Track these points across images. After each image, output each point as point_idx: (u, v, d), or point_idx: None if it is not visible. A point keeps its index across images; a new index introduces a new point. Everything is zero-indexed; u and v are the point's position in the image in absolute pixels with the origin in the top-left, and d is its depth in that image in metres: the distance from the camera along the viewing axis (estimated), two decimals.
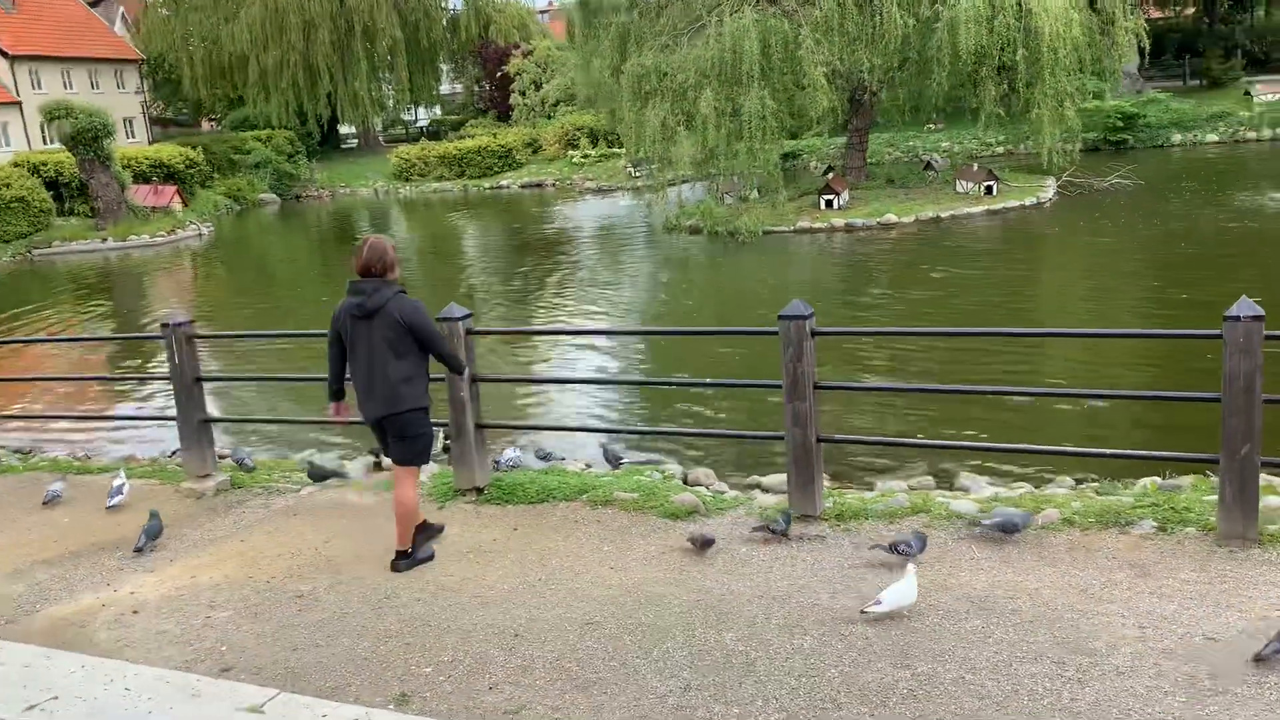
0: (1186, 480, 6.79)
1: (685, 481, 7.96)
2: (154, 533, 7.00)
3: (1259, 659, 4.34)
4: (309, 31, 47.75)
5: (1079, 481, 7.18)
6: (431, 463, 8.67)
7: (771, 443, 8.97)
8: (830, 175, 24.50)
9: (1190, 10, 46.14)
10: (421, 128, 59.71)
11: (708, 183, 22.23)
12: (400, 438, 6.11)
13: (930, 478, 7.73)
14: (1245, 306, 5.21)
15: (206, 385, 8.39)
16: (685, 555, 6.13)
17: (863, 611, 5.05)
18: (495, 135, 46.80)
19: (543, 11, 59.69)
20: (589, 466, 8.59)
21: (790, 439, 6.28)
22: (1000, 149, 33.09)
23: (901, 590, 4.96)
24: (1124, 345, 11.58)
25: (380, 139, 55.55)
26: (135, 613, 5.97)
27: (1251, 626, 4.66)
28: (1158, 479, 6.94)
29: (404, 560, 6.24)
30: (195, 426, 8.11)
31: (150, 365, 15.35)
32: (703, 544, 6.01)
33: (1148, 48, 23.64)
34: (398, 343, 5.91)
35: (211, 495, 8.04)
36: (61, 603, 6.23)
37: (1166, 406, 8.87)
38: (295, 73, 47.96)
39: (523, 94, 40.79)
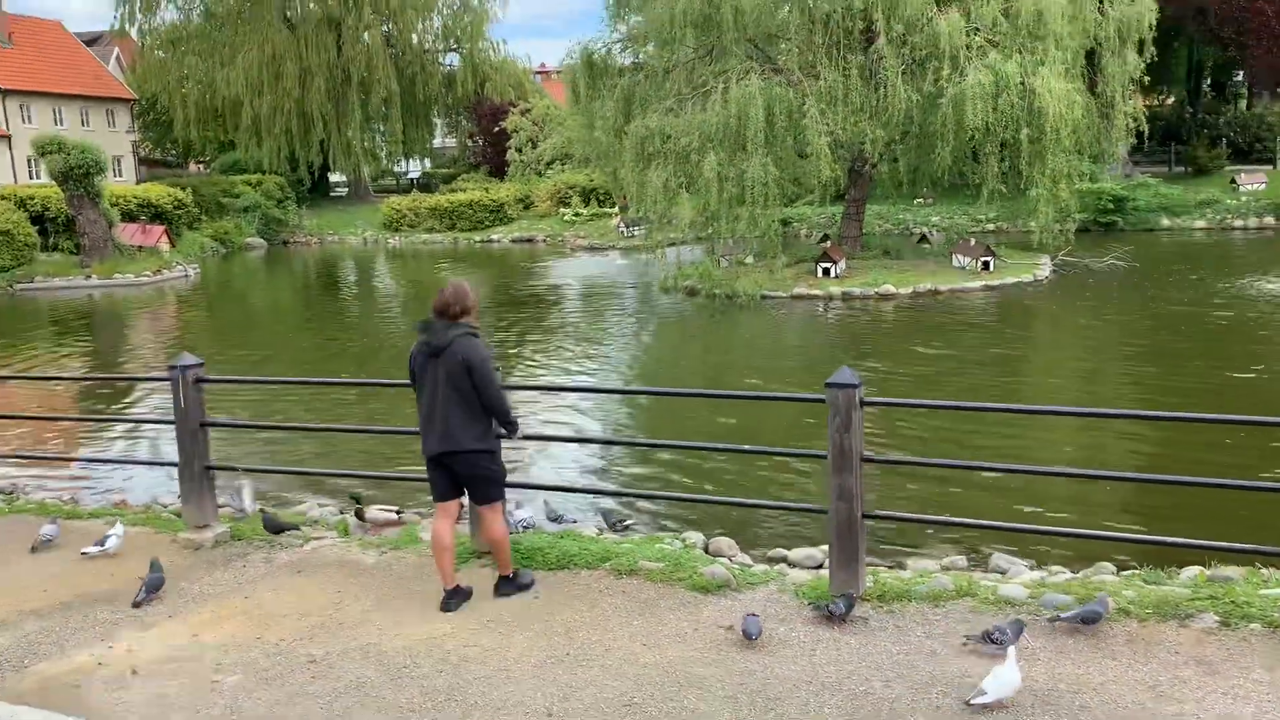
0: (1236, 571, 6.55)
1: (707, 551, 7.69)
2: (155, 585, 6.62)
3: None
4: (305, 79, 48.00)
5: (1120, 568, 6.92)
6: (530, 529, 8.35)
7: (780, 513, 8.77)
8: (828, 243, 24.54)
9: (1171, 99, 47.17)
10: (412, 179, 59.88)
11: (705, 245, 22.17)
12: (468, 477, 6.22)
13: (961, 558, 7.46)
14: None
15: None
16: (723, 634, 5.81)
17: (967, 703, 4.75)
18: (487, 190, 46.91)
19: (538, 72, 60.21)
20: (602, 531, 8.29)
21: (834, 514, 6.00)
22: (991, 225, 33.39)
23: (1005, 678, 4.67)
24: (1117, 426, 11.31)
25: (369, 189, 55.60)
26: (134, 673, 5.59)
27: None
28: (1202, 568, 6.70)
29: (506, 584, 6.41)
30: (198, 474, 7.75)
31: (127, 406, 14.96)
32: (749, 634, 5.59)
33: (1146, 132, 24.01)
34: (460, 382, 6.02)
35: (211, 547, 7.66)
36: (53, 659, 5.84)
37: (1165, 490, 8.76)
38: (289, 119, 48.11)
39: (519, 150, 40.93)
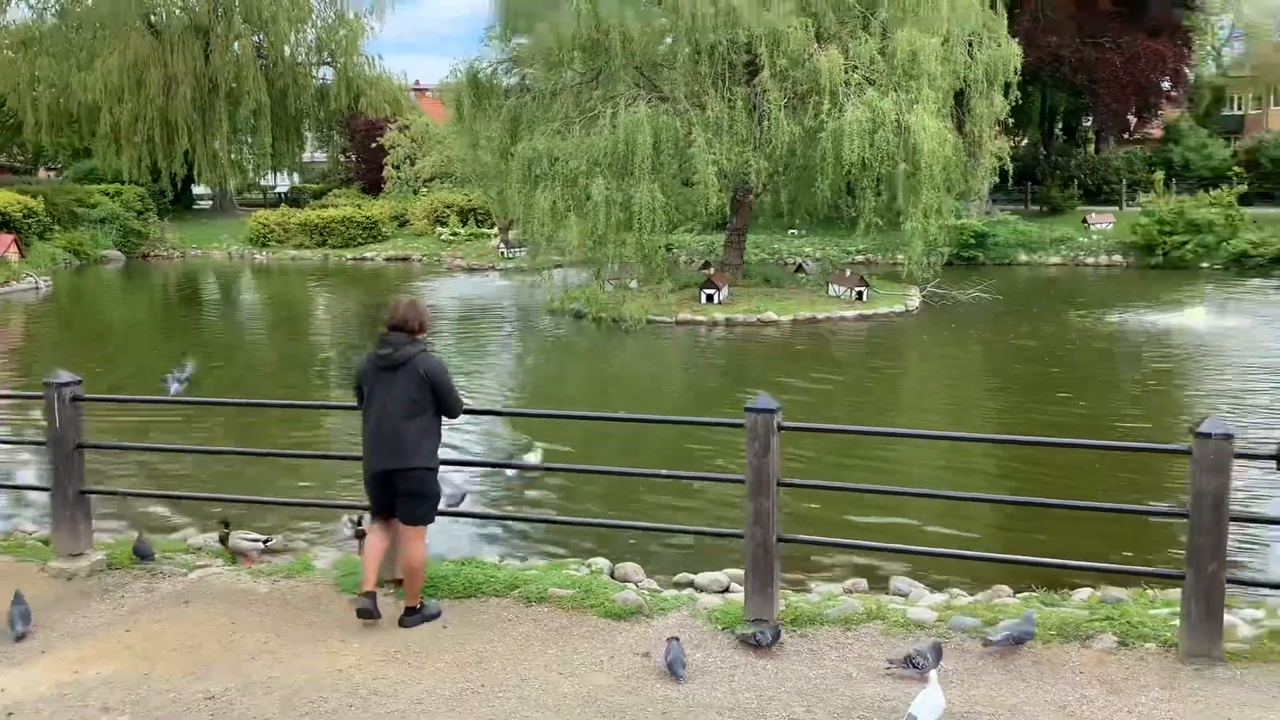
0: (1122, 591, 6.83)
1: (613, 577, 7.61)
2: (26, 617, 6.16)
3: None
4: (170, 87, 46.16)
5: (1016, 591, 7.14)
6: (339, 551, 8.09)
7: (672, 536, 8.74)
8: (712, 271, 24.84)
9: (1025, 141, 49.58)
10: (281, 194, 58.13)
11: (592, 268, 22.15)
12: (410, 495, 6.10)
13: (862, 580, 7.57)
14: (1215, 425, 5.29)
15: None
16: (639, 662, 5.74)
17: None
18: (360, 206, 45.86)
19: (414, 89, 59.39)
20: (503, 559, 8.12)
21: (750, 538, 6.01)
22: (861, 257, 34.35)
23: (931, 702, 4.70)
24: (982, 450, 11.68)
25: (235, 202, 53.78)
26: (10, 716, 5.17)
27: None
28: (1093, 589, 6.97)
29: (411, 616, 6.20)
30: (71, 499, 7.26)
31: None
32: (674, 669, 5.48)
33: (1010, 170, 25.14)
34: (418, 397, 6.01)
35: (84, 577, 7.18)
36: None
37: (1031, 512, 9.13)
38: (151, 128, 46.14)
39: (396, 167, 40.18)
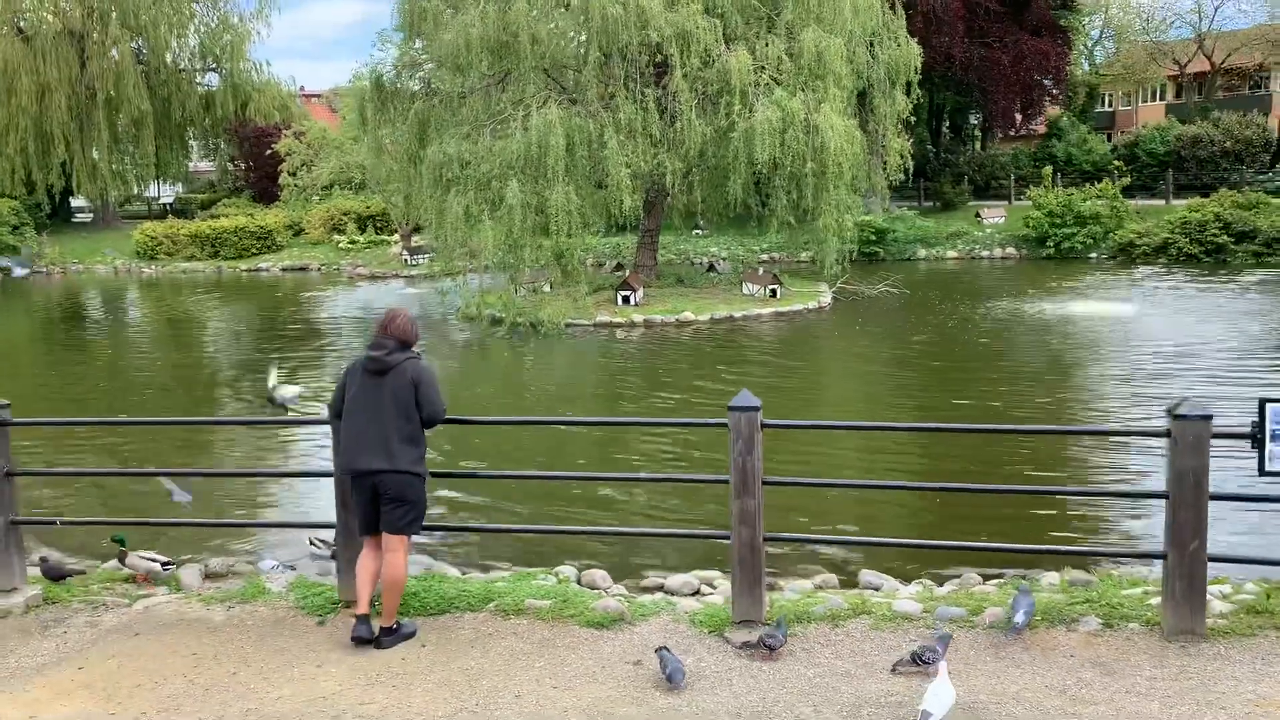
0: (1080, 574, 6.96)
1: (580, 584, 7.45)
2: None
3: None
4: (43, 96, 44.19)
5: (986, 578, 7.22)
6: (294, 571, 7.76)
7: (625, 539, 8.66)
8: (628, 273, 24.77)
9: (912, 139, 50.84)
10: (166, 204, 56.10)
11: (508, 273, 21.82)
12: (396, 501, 5.92)
13: (832, 575, 7.57)
14: (1194, 407, 5.41)
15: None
16: (631, 670, 5.61)
17: None
18: (253, 216, 44.53)
19: (304, 96, 57.98)
20: (466, 572, 7.88)
21: (736, 538, 5.94)
22: (765, 255, 34.70)
23: (944, 696, 4.67)
24: (894, 439, 11.76)
25: (117, 214, 51.68)
26: None
27: None
28: (1058, 573, 7.09)
29: (389, 637, 5.97)
30: (3, 530, 6.79)
31: None
32: (673, 679, 5.35)
33: (911, 168, 25.71)
34: (408, 402, 5.93)
35: (21, 614, 6.73)
36: None
37: (948, 497, 9.38)
38: (24, 138, 44.15)
39: (293, 174, 39.08)
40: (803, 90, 21.62)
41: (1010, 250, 34.60)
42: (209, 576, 7.74)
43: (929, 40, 31.55)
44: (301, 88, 60.45)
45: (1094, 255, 32.44)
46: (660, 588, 7.54)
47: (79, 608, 6.88)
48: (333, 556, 7.57)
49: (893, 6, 24.62)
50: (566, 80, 22.61)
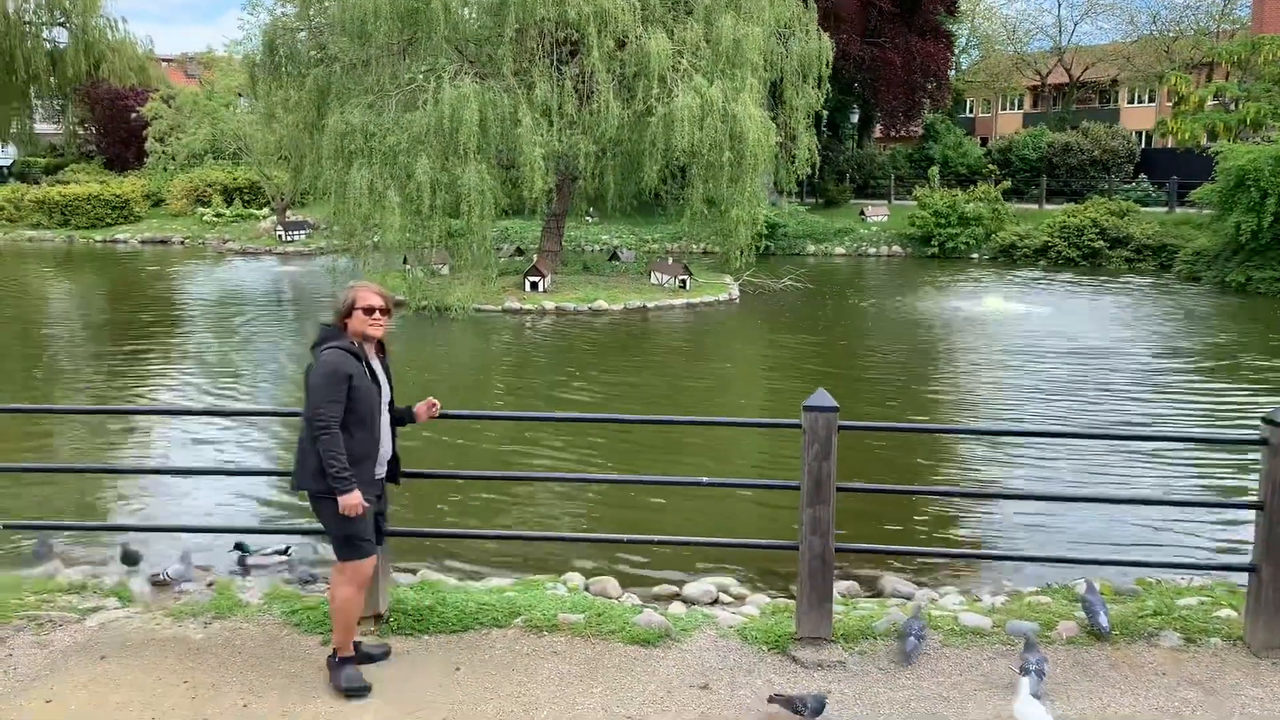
0: (1121, 582, 6.77)
1: (590, 592, 6.86)
2: None
3: None
4: None
5: (1039, 591, 6.93)
6: (259, 579, 6.91)
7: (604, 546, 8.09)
8: (533, 259, 23.97)
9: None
10: (4, 168, 51.95)
11: (414, 254, 20.72)
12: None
13: (854, 582, 7.19)
14: None
15: None
16: (699, 695, 5.08)
17: None
18: (107, 183, 41.61)
19: (165, 59, 54.60)
20: (462, 579, 7.17)
21: (807, 549, 5.46)
22: (658, 244, 34.38)
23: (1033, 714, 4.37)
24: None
25: None
26: None
27: None
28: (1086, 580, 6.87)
29: (334, 666, 5.17)
30: None
31: None
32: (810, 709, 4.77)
33: (819, 163, 25.72)
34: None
35: None
36: None
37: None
38: None
39: (160, 140, 36.57)
40: (720, 78, 21.26)
41: (896, 248, 35.22)
42: (155, 584, 6.85)
43: (830, 35, 31.66)
44: (149, 48, 56.90)
45: (975, 255, 33.29)
46: (676, 596, 7.02)
47: (20, 625, 5.92)
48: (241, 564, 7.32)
49: (804, 1, 24.51)
50: (478, 54, 21.65)
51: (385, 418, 5.08)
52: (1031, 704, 4.69)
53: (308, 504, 5.09)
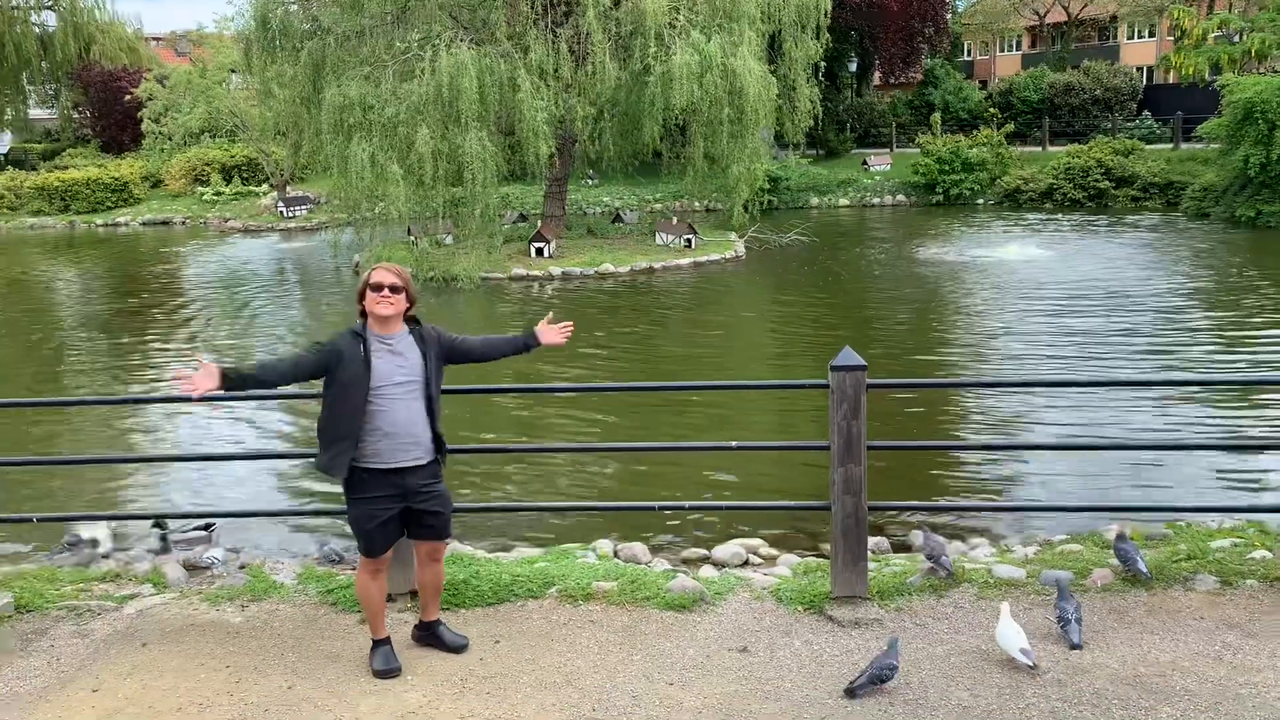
0: (1151, 528, 6.77)
1: (619, 559, 6.89)
2: None
3: None
4: None
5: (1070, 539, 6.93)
6: (295, 560, 6.95)
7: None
8: (536, 224, 23.87)
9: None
10: (2, 155, 51.68)
11: (419, 225, 20.62)
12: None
13: (881, 539, 7.20)
14: None
15: None
16: (737, 659, 5.09)
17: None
18: (105, 167, 41.38)
19: (155, 38, 54.11)
20: (493, 552, 7.19)
21: (839, 509, 5.46)
22: (659, 203, 34.15)
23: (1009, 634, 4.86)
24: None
25: None
26: None
27: None
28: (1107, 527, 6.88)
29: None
30: None
31: None
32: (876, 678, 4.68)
33: (821, 114, 25.47)
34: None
35: None
36: None
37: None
38: None
39: (156, 120, 36.33)
40: (718, 32, 21.02)
41: (900, 197, 34.99)
42: (189, 569, 6.91)
43: None
44: (139, 26, 56.38)
45: (980, 201, 33.08)
46: (705, 560, 7.05)
47: (59, 615, 5.95)
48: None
49: None
50: (472, 19, 21.41)
51: (407, 396, 4.83)
52: (1010, 628, 4.87)
53: (327, 484, 5.07)
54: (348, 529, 5.77)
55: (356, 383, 4.72)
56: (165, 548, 7.38)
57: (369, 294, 4.81)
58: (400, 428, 4.79)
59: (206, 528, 7.57)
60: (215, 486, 9.38)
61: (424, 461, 4.89)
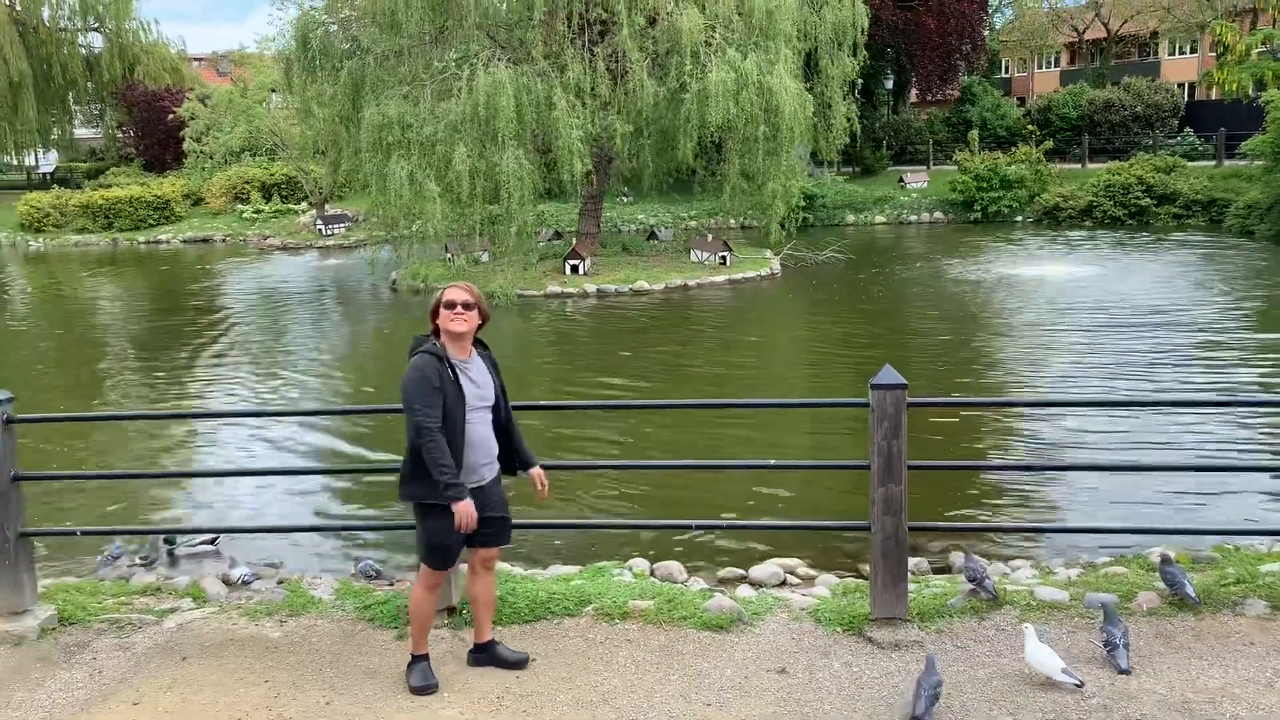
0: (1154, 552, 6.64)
1: (655, 578, 6.86)
2: None
3: None
4: None
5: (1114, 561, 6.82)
6: (332, 575, 6.98)
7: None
8: (571, 242, 23.95)
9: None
10: (47, 174, 52.74)
11: (455, 243, 20.77)
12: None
13: (922, 560, 7.11)
14: None
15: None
16: (775, 680, 5.04)
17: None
18: (147, 185, 42.07)
19: (197, 59, 55.06)
20: (529, 570, 7.18)
21: (879, 529, 5.40)
22: (694, 222, 34.11)
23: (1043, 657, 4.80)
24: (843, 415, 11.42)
25: None
26: None
27: None
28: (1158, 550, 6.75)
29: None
30: (12, 543, 5.84)
31: None
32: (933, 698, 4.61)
33: (859, 131, 25.40)
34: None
35: (36, 639, 5.82)
36: None
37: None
38: None
39: (198, 139, 36.92)
40: (754, 51, 21.04)
41: (938, 214, 34.77)
42: (229, 584, 6.98)
43: (864, 1, 31.24)
44: (177, 45, 57.40)
45: (1019, 219, 32.80)
46: (742, 579, 7.01)
47: (101, 628, 6.01)
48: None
49: None
50: (509, 38, 21.57)
51: (485, 419, 4.98)
52: (1041, 649, 4.82)
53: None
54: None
55: (454, 404, 4.81)
56: (174, 560, 7.56)
57: (443, 311, 4.89)
58: (483, 445, 4.96)
59: (212, 540, 7.69)
60: (262, 500, 9.46)
61: (497, 474, 5.12)
